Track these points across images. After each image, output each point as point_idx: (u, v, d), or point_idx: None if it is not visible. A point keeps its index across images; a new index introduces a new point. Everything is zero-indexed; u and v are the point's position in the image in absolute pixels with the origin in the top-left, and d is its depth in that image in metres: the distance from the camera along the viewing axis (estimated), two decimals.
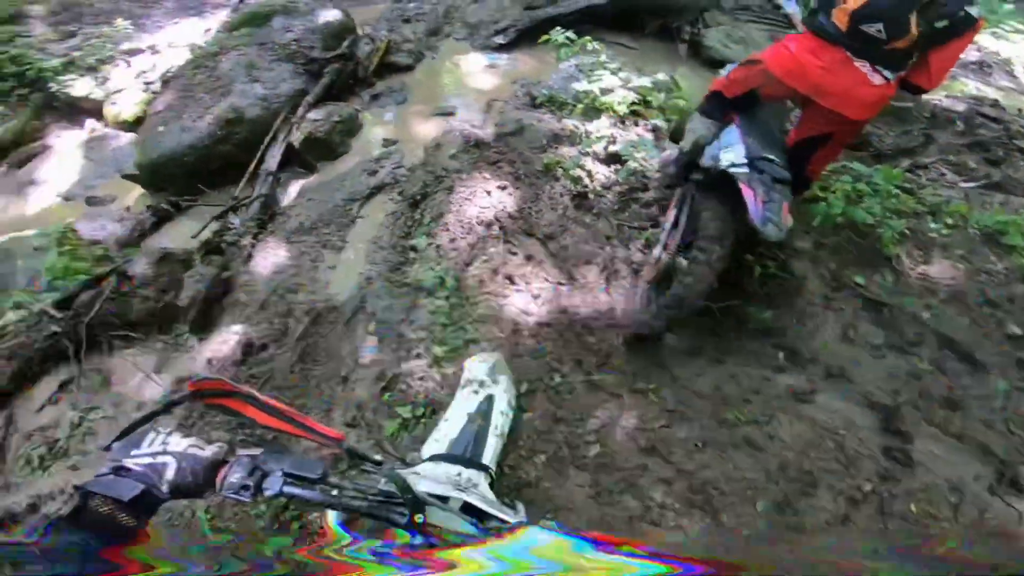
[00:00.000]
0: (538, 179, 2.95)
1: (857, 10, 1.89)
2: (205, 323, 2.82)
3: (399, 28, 4.47)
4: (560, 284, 2.66)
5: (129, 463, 0.73)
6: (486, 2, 4.64)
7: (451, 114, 3.59)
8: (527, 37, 4.33)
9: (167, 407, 0.95)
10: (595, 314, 2.53)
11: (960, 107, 3.95)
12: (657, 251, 2.47)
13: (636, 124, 3.39)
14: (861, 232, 2.66)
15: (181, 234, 3.28)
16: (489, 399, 1.53)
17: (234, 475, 0.75)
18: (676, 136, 3.30)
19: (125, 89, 4.80)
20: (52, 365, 2.64)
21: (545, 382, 2.23)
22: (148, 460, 0.74)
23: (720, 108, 2.40)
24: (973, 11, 1.88)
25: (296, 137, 3.46)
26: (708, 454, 1.98)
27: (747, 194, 2.04)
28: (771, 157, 2.16)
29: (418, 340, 2.40)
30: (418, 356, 2.34)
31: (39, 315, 2.69)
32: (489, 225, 2.79)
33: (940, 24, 1.87)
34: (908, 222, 2.70)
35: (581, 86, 3.43)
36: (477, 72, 4.04)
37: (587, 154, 3.11)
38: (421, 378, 2.26)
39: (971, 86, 5.04)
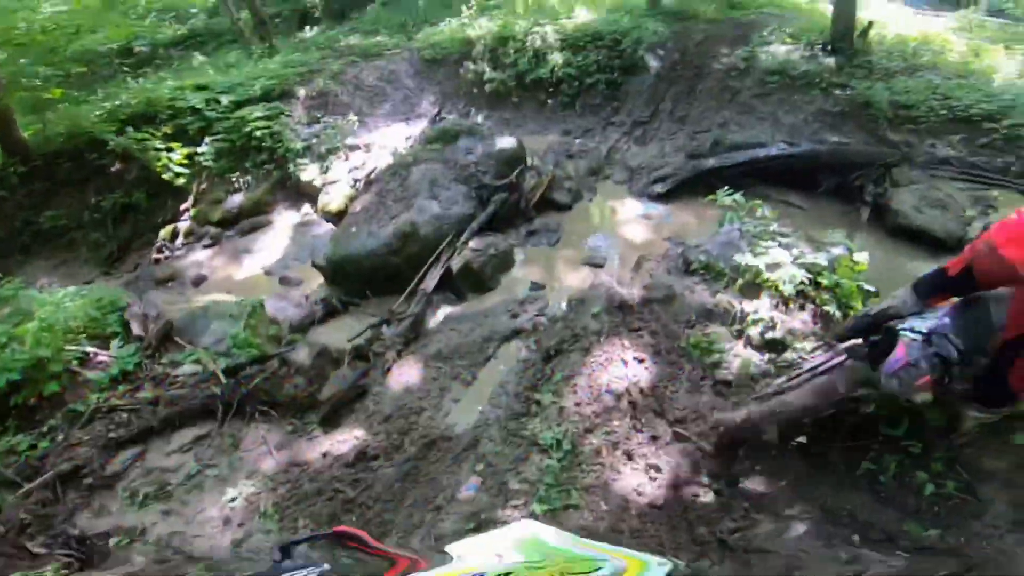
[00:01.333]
0: (680, 357, 2.80)
1: None
2: (334, 419, 3.12)
3: (563, 163, 4.81)
4: (682, 470, 2.46)
5: None
6: (648, 146, 4.79)
7: (600, 266, 3.66)
8: (687, 187, 4.32)
9: (311, 539, 1.16)
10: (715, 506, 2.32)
11: None
12: None
13: (802, 308, 3.09)
14: None
15: (340, 331, 3.72)
16: None
17: None
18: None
19: (338, 182, 5.78)
20: (199, 419, 3.03)
21: None
22: None
23: (935, 286, 2.11)
24: None
25: (455, 263, 3.81)
26: None
27: (898, 351, 1.95)
28: (954, 340, 1.95)
29: (520, 492, 2.35)
30: (515, 508, 2.30)
31: (209, 374, 3.20)
32: (619, 397, 2.69)
33: None
34: None
35: (744, 259, 3.24)
36: (632, 221, 4.11)
37: (740, 337, 2.89)
38: None
39: None
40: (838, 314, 3.10)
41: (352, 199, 5.20)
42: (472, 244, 3.89)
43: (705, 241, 3.55)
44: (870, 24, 6.37)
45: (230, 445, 2.94)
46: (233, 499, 2.70)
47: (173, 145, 5.97)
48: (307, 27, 11.36)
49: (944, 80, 5.70)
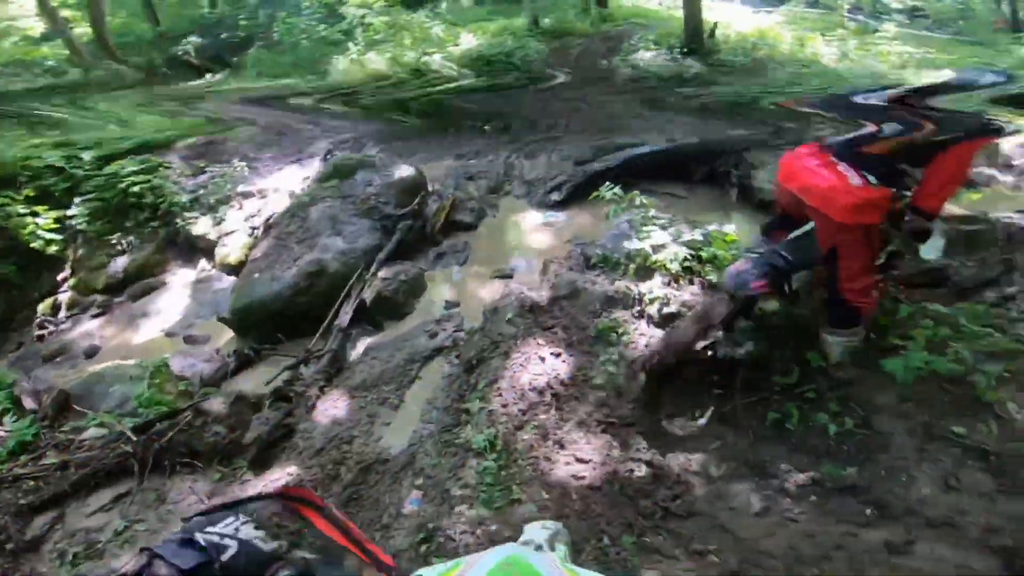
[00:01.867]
0: (592, 345, 3.01)
1: None
2: (263, 461, 3.04)
3: (463, 185, 4.98)
4: (613, 449, 2.61)
5: (198, 536, 0.80)
6: (540, 159, 5.09)
7: (509, 276, 3.84)
8: (580, 192, 4.63)
9: (252, 499, 1.08)
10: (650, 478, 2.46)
11: None
12: None
13: (691, 282, 3.42)
14: (952, 380, 2.46)
15: (257, 379, 3.60)
16: None
17: (282, 573, 0.82)
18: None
19: (235, 232, 5.52)
20: (115, 479, 2.94)
21: (592, 544, 2.18)
22: (215, 539, 0.81)
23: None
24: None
25: (368, 294, 3.82)
26: None
27: (738, 263, 2.48)
28: (782, 252, 2.42)
29: (463, 498, 2.41)
30: (461, 513, 2.35)
31: (118, 435, 3.04)
32: (541, 392, 2.83)
33: (921, 141, 2.07)
34: (1006, 364, 2.45)
35: (633, 245, 3.53)
36: (534, 231, 4.34)
37: (641, 317, 3.16)
38: (463, 533, 2.27)
39: None
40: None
41: (252, 247, 5.00)
42: (382, 274, 3.90)
43: (601, 237, 3.85)
44: (715, 25, 7.28)
45: (155, 500, 2.84)
46: None
47: (38, 209, 5.41)
48: None
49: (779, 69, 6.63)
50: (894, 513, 2.11)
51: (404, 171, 5.01)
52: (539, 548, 1.59)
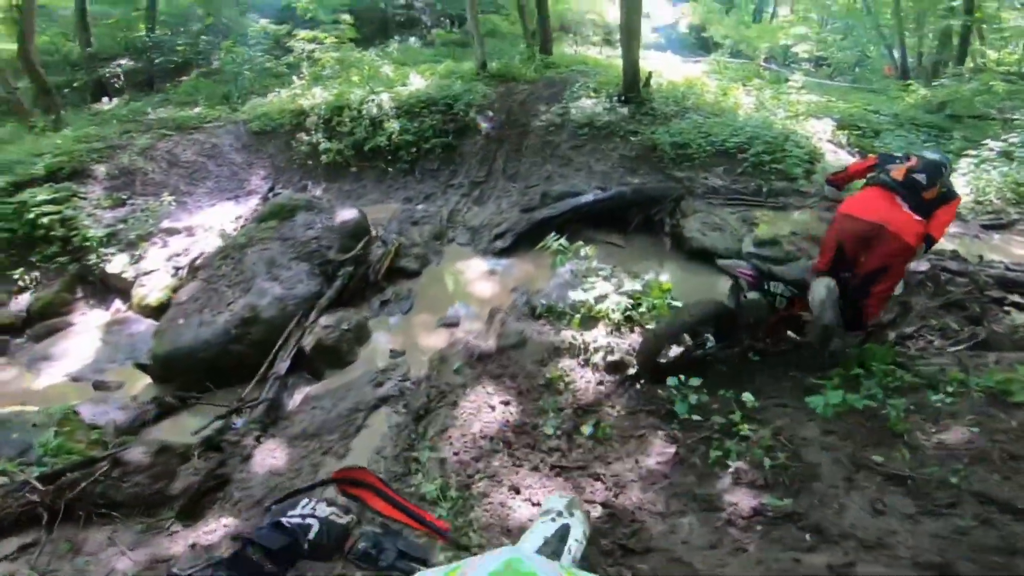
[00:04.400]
0: (541, 393, 3.05)
1: (913, 167, 2.89)
2: (193, 512, 2.80)
3: (408, 231, 4.96)
4: (568, 492, 2.61)
5: (284, 520, 0.90)
6: (486, 205, 5.19)
7: (455, 325, 3.84)
8: (525, 239, 4.73)
9: (313, 487, 1.17)
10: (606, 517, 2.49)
11: (924, 266, 4.19)
12: None
13: (632, 331, 3.58)
14: (867, 414, 2.73)
15: (181, 428, 3.32)
16: (565, 527, 1.60)
17: (360, 544, 0.92)
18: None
19: (155, 271, 5.13)
20: (22, 529, 2.69)
21: None
22: (298, 520, 0.91)
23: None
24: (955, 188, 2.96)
25: (307, 342, 3.66)
26: None
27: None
28: (774, 268, 3.12)
29: (420, 547, 2.32)
30: None
31: (22, 484, 2.75)
32: (493, 439, 2.82)
33: (943, 190, 2.89)
34: (910, 398, 2.77)
35: (577, 295, 3.68)
36: (479, 278, 4.38)
37: (587, 366, 3.25)
38: None
39: None
40: None
41: (176, 289, 4.67)
42: (323, 321, 3.76)
43: (545, 287, 3.97)
44: (650, 75, 7.74)
45: (68, 551, 2.58)
46: None
47: None
48: (105, 98, 10.19)
49: (705, 119, 7.00)
50: (831, 537, 2.22)
51: (348, 214, 4.92)
52: (559, 514, 1.67)
